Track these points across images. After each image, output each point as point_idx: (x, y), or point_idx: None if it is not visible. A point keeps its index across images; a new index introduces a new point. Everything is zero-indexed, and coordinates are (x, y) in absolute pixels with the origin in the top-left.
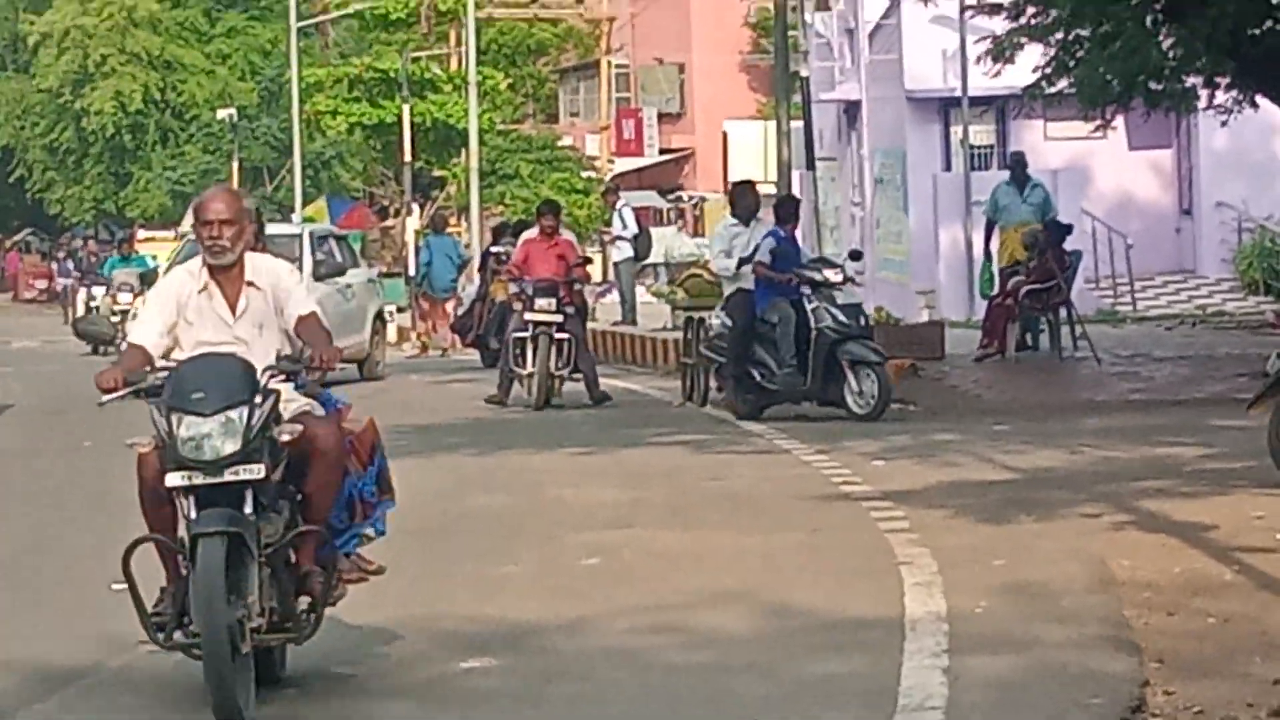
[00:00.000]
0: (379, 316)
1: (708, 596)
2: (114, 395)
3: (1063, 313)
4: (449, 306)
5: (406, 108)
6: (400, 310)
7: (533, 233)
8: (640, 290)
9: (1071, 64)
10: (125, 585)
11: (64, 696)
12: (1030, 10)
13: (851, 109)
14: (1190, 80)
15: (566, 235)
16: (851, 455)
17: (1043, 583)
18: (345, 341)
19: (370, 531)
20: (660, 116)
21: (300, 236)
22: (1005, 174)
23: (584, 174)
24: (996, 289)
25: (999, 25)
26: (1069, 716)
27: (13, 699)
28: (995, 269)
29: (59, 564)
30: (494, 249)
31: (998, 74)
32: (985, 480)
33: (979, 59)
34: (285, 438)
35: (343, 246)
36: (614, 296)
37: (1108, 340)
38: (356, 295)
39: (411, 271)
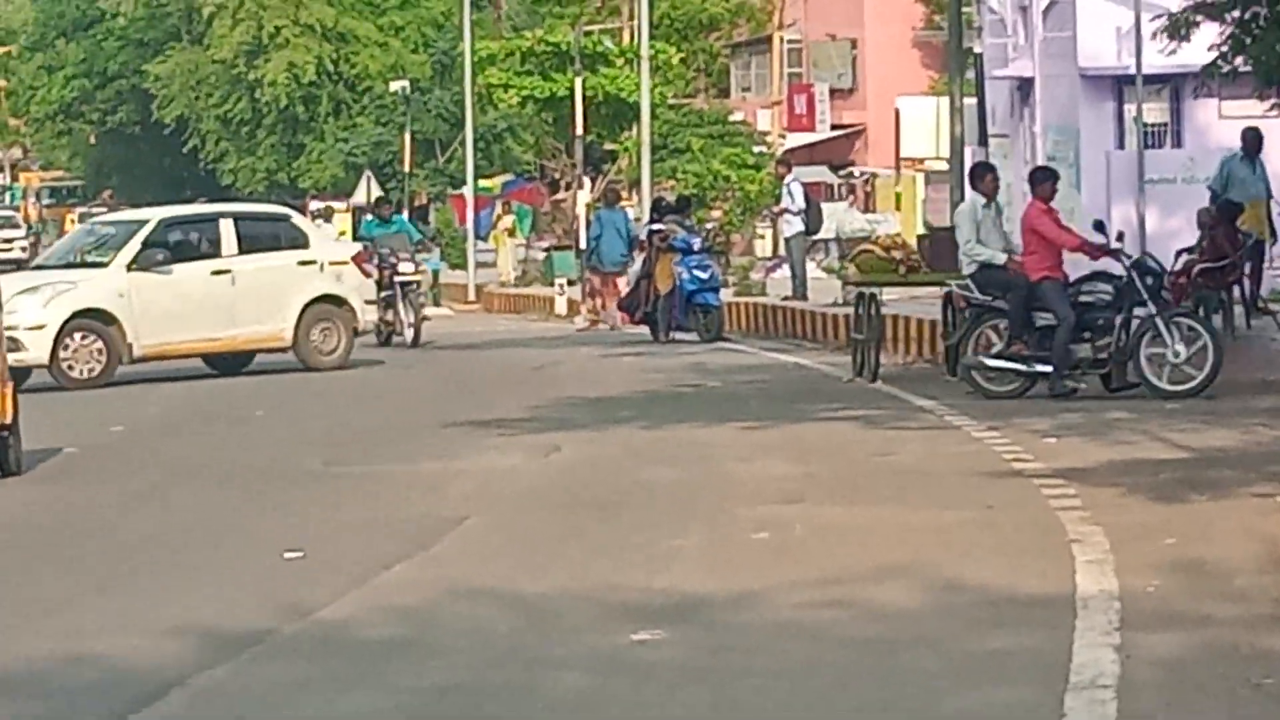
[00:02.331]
0: (327, 300)
1: (878, 571)
2: None
3: (1235, 292)
4: (620, 281)
5: (579, 81)
6: (571, 283)
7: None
8: (811, 265)
9: (1248, 41)
10: (299, 554)
11: (238, 663)
12: None
13: (1024, 86)
14: None
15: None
16: (1022, 432)
17: (1215, 562)
18: (211, 333)
19: None
20: (832, 92)
21: (143, 224)
22: (1177, 152)
23: (755, 149)
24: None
25: (1174, 2)
26: (1241, 695)
27: (188, 664)
28: None
29: (234, 532)
30: (656, 226)
31: (1173, 52)
32: (1157, 459)
33: (1154, 34)
34: None
35: (246, 226)
36: (784, 271)
37: None
38: (244, 280)
39: (583, 245)
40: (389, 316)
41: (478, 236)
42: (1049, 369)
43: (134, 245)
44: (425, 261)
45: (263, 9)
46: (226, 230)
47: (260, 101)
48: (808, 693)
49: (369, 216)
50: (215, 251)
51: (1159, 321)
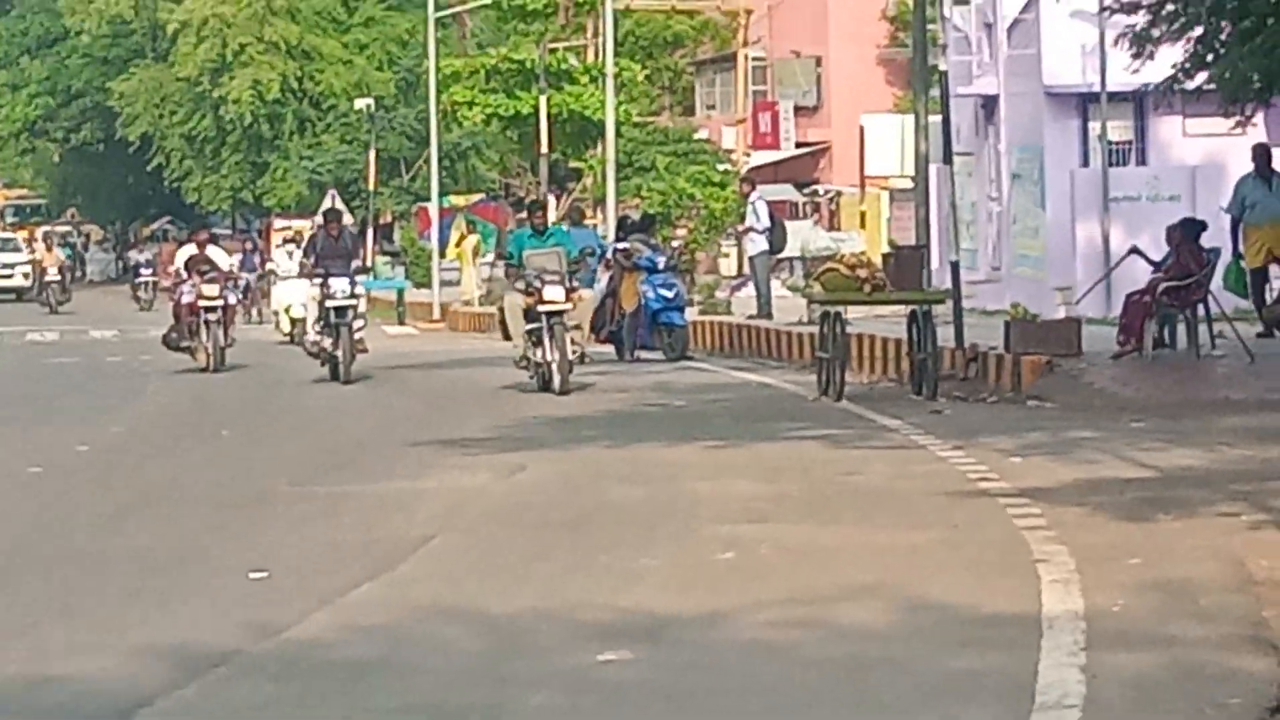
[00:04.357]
0: None
1: (844, 591)
2: None
3: (1200, 310)
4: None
5: (543, 99)
6: None
7: None
8: (775, 284)
9: (1211, 59)
10: (265, 574)
11: (204, 682)
12: (1169, 6)
13: (989, 103)
14: None
15: None
16: (988, 451)
17: (1181, 581)
18: None
19: None
20: (797, 110)
21: None
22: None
23: (720, 167)
24: (1250, 289)
25: (1138, 20)
26: (1207, 716)
27: (155, 684)
28: (1247, 268)
29: (199, 553)
30: (619, 245)
31: (1137, 70)
32: (1122, 478)
33: (1116, 42)
34: None
35: None
36: (749, 290)
37: (1245, 339)
38: None
39: None
40: (538, 356)
41: (441, 253)
42: None
43: None
44: (583, 283)
45: (227, 26)
46: None
47: (225, 119)
48: (775, 713)
49: (519, 226)
50: None
51: None
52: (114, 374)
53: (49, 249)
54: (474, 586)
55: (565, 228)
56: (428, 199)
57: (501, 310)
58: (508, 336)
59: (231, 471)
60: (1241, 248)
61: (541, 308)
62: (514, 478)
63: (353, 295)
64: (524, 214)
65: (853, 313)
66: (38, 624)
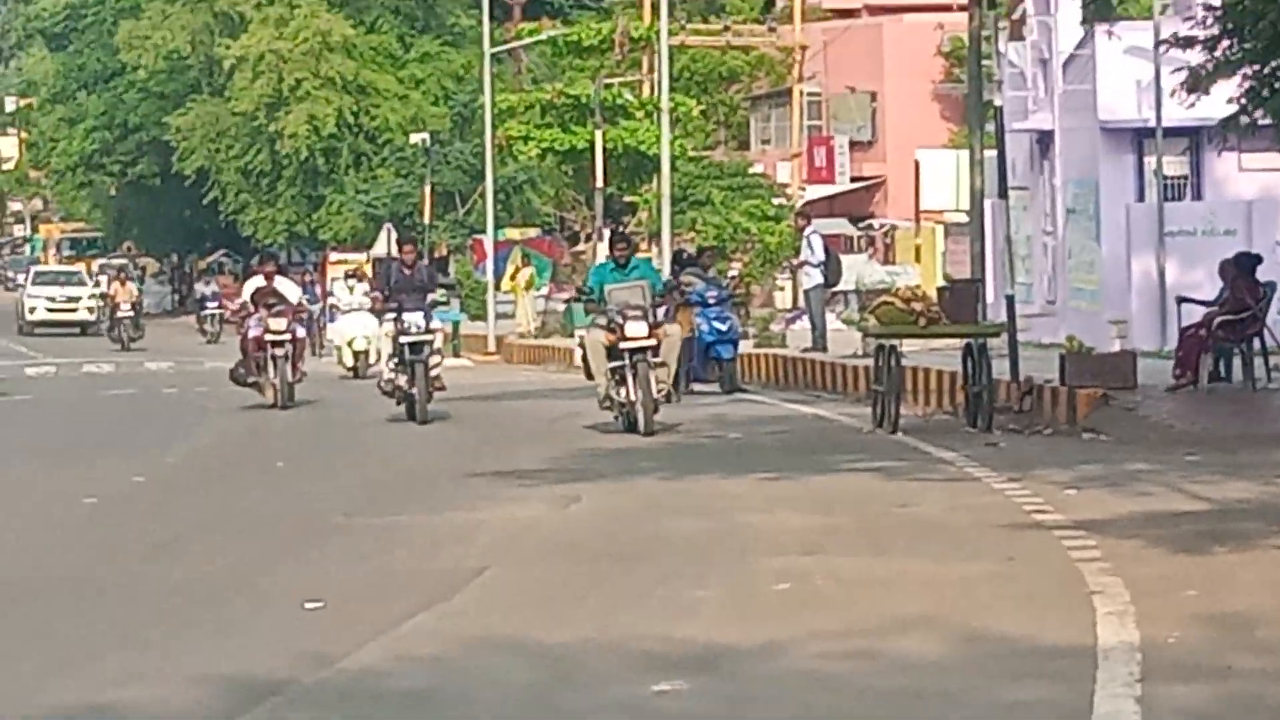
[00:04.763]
0: None
1: (899, 623)
2: None
3: (1256, 344)
4: None
5: (599, 133)
6: None
7: None
8: (830, 317)
9: (1267, 95)
10: (320, 604)
11: (259, 713)
12: (1225, 43)
13: (1044, 139)
14: None
15: None
16: (1043, 484)
17: (1237, 613)
18: None
19: None
20: (852, 144)
21: None
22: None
23: (775, 201)
24: None
25: (1194, 56)
26: None
27: (211, 714)
28: None
29: (255, 583)
30: (673, 281)
31: (1192, 105)
32: (1177, 510)
33: (1173, 91)
34: None
35: None
36: (804, 323)
37: None
38: None
39: None
40: (621, 396)
41: (495, 285)
42: None
43: None
44: (662, 321)
45: (283, 61)
46: None
47: (280, 154)
48: None
49: (602, 259)
50: None
51: None
52: (170, 406)
53: (122, 283)
54: (528, 617)
55: None
56: (482, 232)
57: (583, 347)
58: (590, 375)
59: (286, 502)
60: None
61: (624, 345)
62: (569, 509)
63: (428, 330)
64: (578, 247)
65: (907, 346)
66: (94, 653)
